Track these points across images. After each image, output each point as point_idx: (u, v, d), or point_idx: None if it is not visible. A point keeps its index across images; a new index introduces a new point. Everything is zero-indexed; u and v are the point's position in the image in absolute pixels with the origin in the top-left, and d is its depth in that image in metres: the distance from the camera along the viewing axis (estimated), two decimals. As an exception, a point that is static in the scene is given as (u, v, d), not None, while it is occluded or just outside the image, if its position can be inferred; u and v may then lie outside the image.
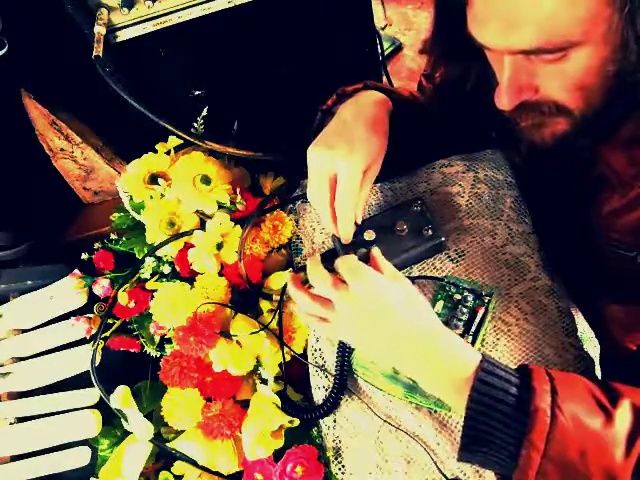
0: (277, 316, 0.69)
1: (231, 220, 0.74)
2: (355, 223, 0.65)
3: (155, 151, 0.77)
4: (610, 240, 0.61)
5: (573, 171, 0.65)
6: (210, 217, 0.74)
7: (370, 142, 0.62)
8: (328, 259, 0.59)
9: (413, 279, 0.69)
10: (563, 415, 0.45)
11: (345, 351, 0.64)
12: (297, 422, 0.66)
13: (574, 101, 0.51)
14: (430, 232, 0.66)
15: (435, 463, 0.60)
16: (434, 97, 0.77)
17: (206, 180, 0.74)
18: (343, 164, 0.60)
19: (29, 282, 0.78)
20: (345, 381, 0.65)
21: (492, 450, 0.47)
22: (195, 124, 0.78)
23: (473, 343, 0.63)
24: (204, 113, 0.78)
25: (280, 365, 0.69)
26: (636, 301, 0.61)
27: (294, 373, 0.72)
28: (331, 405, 0.64)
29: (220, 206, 0.75)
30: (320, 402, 0.67)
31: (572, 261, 0.70)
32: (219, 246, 0.72)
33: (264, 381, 0.69)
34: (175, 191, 0.73)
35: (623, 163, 0.56)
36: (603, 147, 0.58)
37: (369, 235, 0.66)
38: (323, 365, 0.68)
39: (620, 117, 0.54)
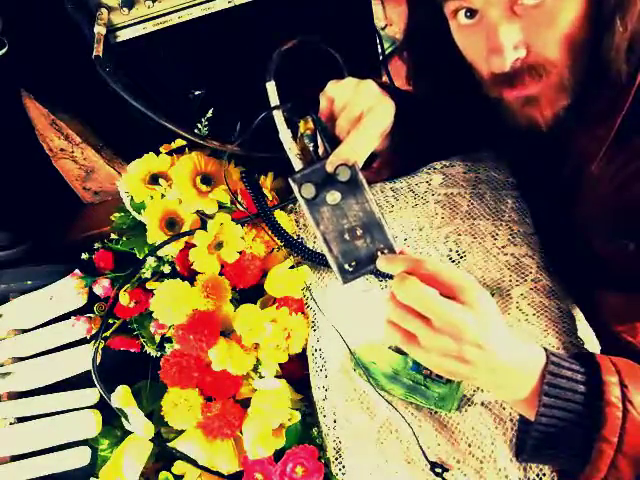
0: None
1: (232, 220, 0.74)
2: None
3: (156, 151, 0.77)
4: (605, 229, 0.62)
5: (556, 162, 0.66)
6: (211, 217, 0.74)
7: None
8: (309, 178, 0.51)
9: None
10: (634, 408, 0.46)
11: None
12: (298, 419, 0.66)
13: (563, 56, 0.53)
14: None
15: (427, 461, 0.60)
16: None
17: (206, 180, 0.74)
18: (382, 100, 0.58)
19: (29, 282, 0.77)
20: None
21: (560, 449, 0.48)
22: (199, 124, 0.78)
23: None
24: (209, 114, 0.78)
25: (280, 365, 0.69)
26: (632, 288, 0.62)
27: (294, 373, 0.72)
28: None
29: (221, 206, 0.75)
30: None
31: (569, 254, 0.70)
32: (219, 246, 0.72)
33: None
34: (175, 191, 0.74)
35: (585, 140, 0.58)
36: (576, 130, 0.60)
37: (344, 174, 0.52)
38: (323, 365, 0.68)
39: (592, 94, 0.55)
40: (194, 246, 0.72)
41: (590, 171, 0.59)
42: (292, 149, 0.58)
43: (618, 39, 0.50)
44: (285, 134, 0.58)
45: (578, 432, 0.47)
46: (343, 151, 0.52)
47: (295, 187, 0.52)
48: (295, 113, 0.60)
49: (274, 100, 0.59)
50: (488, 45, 0.54)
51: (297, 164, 0.57)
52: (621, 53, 0.51)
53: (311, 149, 0.57)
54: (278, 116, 0.59)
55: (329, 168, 0.51)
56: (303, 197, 0.51)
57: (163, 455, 0.70)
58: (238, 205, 0.75)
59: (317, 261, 0.73)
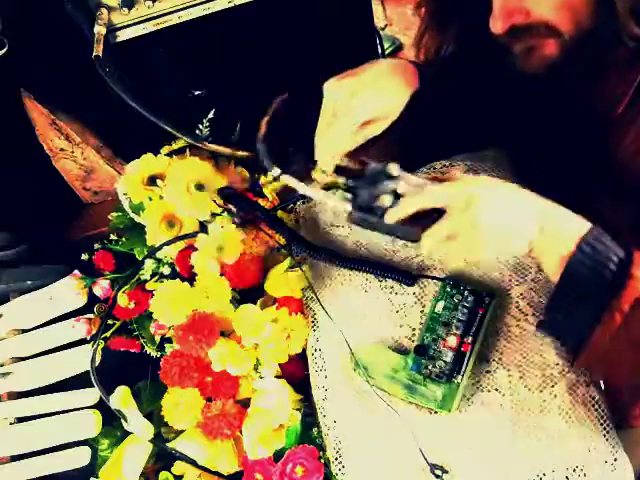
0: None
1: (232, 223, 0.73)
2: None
3: (156, 151, 0.77)
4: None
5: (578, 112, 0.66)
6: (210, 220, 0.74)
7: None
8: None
9: (415, 277, 0.69)
10: None
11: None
12: (298, 419, 0.66)
13: (564, 21, 0.55)
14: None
15: (426, 460, 0.60)
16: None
17: (200, 187, 0.73)
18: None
19: (29, 282, 0.78)
20: None
21: (577, 313, 0.51)
22: (200, 126, 0.78)
23: (473, 344, 0.63)
24: (210, 115, 0.78)
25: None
26: None
27: (294, 373, 0.72)
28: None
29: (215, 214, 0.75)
30: None
31: None
32: (220, 249, 0.72)
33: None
34: (168, 196, 0.73)
35: (615, 85, 0.60)
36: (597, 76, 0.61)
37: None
38: (323, 365, 0.68)
39: (608, 46, 0.57)
40: (193, 246, 0.72)
41: (613, 118, 0.60)
42: (326, 197, 0.57)
43: (619, 4, 0.51)
44: (309, 191, 0.57)
45: (598, 298, 0.49)
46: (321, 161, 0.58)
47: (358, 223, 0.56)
48: (306, 164, 0.61)
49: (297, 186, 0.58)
50: (492, 6, 0.57)
51: (345, 206, 0.55)
52: (627, 17, 0.52)
53: (340, 180, 0.57)
54: (291, 181, 0.58)
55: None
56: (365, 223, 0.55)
57: (163, 455, 0.70)
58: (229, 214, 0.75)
59: (319, 257, 0.73)
